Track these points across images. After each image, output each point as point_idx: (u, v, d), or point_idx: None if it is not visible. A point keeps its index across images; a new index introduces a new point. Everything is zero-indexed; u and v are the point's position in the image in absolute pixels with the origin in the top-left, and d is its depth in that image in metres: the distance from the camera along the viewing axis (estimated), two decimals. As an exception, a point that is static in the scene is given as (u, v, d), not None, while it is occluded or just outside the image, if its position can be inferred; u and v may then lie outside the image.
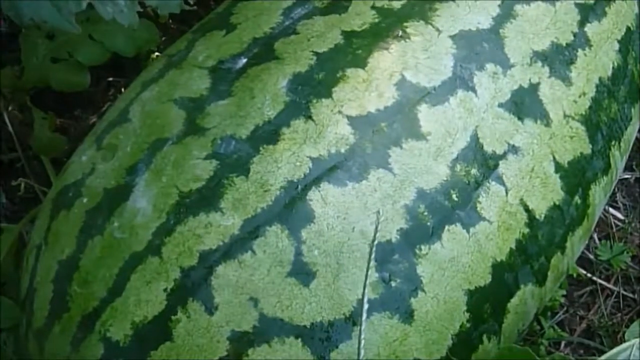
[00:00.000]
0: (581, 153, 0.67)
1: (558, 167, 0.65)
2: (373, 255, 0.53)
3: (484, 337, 0.60)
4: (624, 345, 0.57)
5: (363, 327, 0.44)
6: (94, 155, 0.62)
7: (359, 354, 0.43)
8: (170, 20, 0.94)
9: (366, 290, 0.47)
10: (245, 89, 0.61)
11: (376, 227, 0.49)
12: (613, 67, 0.71)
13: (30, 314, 0.61)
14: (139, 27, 0.55)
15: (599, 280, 0.83)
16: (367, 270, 0.47)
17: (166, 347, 0.54)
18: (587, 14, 0.71)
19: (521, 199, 0.62)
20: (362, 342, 0.44)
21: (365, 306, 0.45)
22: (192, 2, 0.65)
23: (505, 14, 0.67)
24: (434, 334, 0.57)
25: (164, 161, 0.59)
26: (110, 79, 0.95)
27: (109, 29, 0.81)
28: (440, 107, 0.61)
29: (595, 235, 0.85)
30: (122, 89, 0.93)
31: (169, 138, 0.60)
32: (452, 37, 0.64)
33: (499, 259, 0.60)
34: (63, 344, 0.57)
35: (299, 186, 0.56)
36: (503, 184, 0.62)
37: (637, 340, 0.56)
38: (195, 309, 0.54)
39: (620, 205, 0.89)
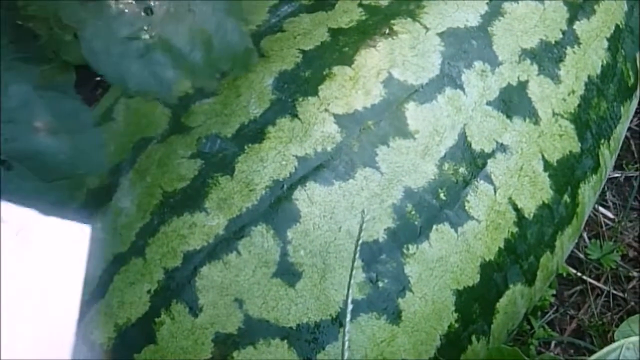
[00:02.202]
0: (570, 151, 0.67)
1: (547, 166, 0.64)
2: (359, 256, 0.53)
3: (473, 338, 0.60)
4: (613, 345, 0.56)
5: (347, 328, 0.43)
6: (77, 155, 0.61)
7: (342, 354, 0.42)
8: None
9: (351, 291, 0.46)
10: (231, 87, 0.60)
11: (361, 227, 0.48)
12: (602, 65, 0.70)
13: (12, 317, 0.60)
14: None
15: (589, 280, 0.83)
16: (352, 270, 0.46)
17: (150, 350, 0.53)
18: (576, 12, 0.70)
19: (510, 198, 0.62)
20: (347, 343, 0.43)
21: (350, 307, 0.45)
22: None
23: (494, 12, 0.66)
24: (422, 335, 0.56)
25: (148, 160, 0.58)
26: (98, 78, 0.94)
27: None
28: (428, 105, 0.60)
29: (585, 235, 0.85)
30: (110, 88, 0.92)
31: (153, 137, 0.59)
32: (440, 34, 0.63)
33: (487, 259, 0.60)
34: (45, 347, 0.56)
35: (285, 185, 0.55)
36: (492, 182, 0.61)
37: (627, 340, 0.56)
38: (180, 311, 0.53)
39: (610, 204, 0.89)
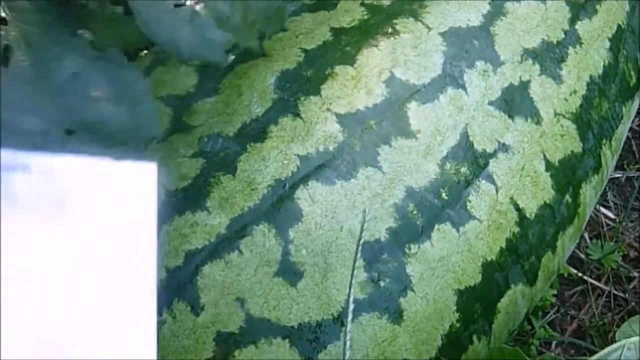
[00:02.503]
0: (572, 151, 0.67)
1: (549, 166, 0.64)
2: (361, 255, 0.53)
3: (474, 338, 0.60)
4: (614, 345, 0.56)
5: (349, 328, 0.43)
6: (79, 154, 0.61)
7: (344, 354, 0.42)
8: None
9: (352, 290, 0.46)
10: (233, 86, 0.60)
11: (362, 226, 0.48)
12: (604, 65, 0.70)
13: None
14: (127, 25, 0.57)
15: (590, 280, 0.83)
16: (353, 270, 0.46)
17: (151, 349, 0.53)
18: (578, 11, 0.70)
19: (511, 198, 0.62)
20: (348, 343, 0.43)
21: (351, 306, 0.45)
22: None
23: (496, 12, 0.66)
24: (424, 334, 0.56)
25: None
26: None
27: (97, 27, 0.80)
28: (430, 104, 0.60)
29: (586, 235, 0.85)
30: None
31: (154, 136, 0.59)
32: (442, 34, 0.63)
33: (489, 259, 0.60)
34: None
35: (287, 185, 0.55)
36: (493, 182, 0.61)
37: (628, 340, 0.56)
38: (181, 310, 0.53)
39: (612, 204, 0.89)
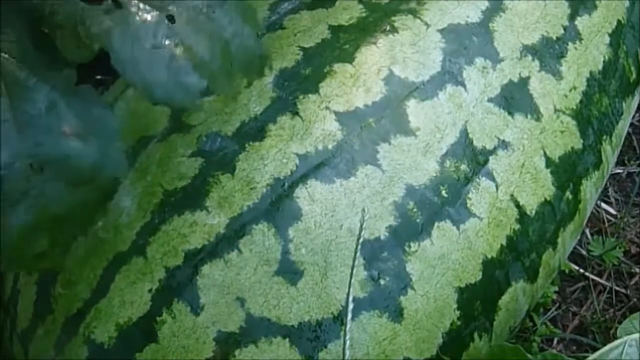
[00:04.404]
0: (572, 148, 0.66)
1: (549, 162, 0.64)
2: (361, 253, 0.52)
3: (475, 335, 0.59)
4: (616, 342, 0.56)
5: (349, 327, 0.43)
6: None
7: (343, 353, 0.42)
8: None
9: (352, 289, 0.46)
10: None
11: (361, 225, 0.48)
12: (604, 61, 0.70)
13: (14, 316, 0.60)
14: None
15: (592, 276, 0.82)
16: (353, 269, 0.46)
17: (151, 349, 0.53)
18: (578, 7, 0.70)
19: (512, 195, 0.61)
20: (348, 342, 0.43)
21: (351, 305, 0.44)
22: None
23: (495, 8, 0.66)
24: (424, 333, 0.56)
25: (149, 159, 0.58)
26: (99, 76, 0.93)
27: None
28: (429, 102, 0.60)
29: (587, 231, 0.85)
30: (110, 87, 0.92)
31: (153, 136, 0.59)
32: (441, 31, 0.63)
33: (489, 256, 0.60)
34: (47, 347, 0.56)
35: (286, 183, 0.55)
36: (493, 179, 0.61)
37: (629, 337, 0.56)
38: (181, 310, 0.53)
39: (613, 200, 0.88)
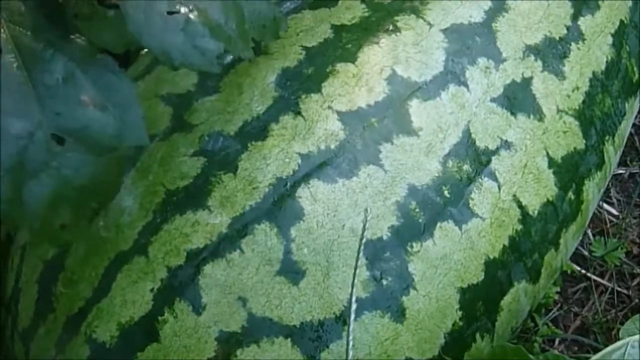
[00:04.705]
0: (575, 148, 0.66)
1: (551, 163, 0.64)
2: (363, 254, 0.52)
3: (477, 336, 0.59)
4: (618, 343, 0.56)
5: (351, 328, 0.43)
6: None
7: (347, 354, 0.42)
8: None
9: (354, 289, 0.46)
10: (234, 84, 0.60)
11: (364, 225, 0.48)
12: (607, 61, 0.70)
13: (15, 315, 0.60)
14: (120, 27, 0.57)
15: (593, 277, 0.82)
16: (355, 269, 0.46)
17: (153, 348, 0.53)
18: (581, 7, 0.70)
19: (514, 195, 0.61)
20: (351, 342, 0.43)
21: (354, 306, 0.44)
22: None
23: (498, 8, 0.66)
24: (426, 333, 0.56)
25: (151, 159, 0.58)
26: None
27: (98, 25, 0.80)
28: (432, 102, 0.60)
29: (589, 231, 0.85)
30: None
31: (155, 135, 0.59)
32: (444, 30, 0.63)
33: (491, 256, 0.60)
34: (48, 346, 0.56)
35: (288, 183, 0.55)
36: (496, 179, 0.61)
37: (632, 338, 0.56)
38: (183, 309, 0.53)
39: (615, 200, 0.88)
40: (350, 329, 0.43)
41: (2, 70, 0.43)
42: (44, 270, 0.58)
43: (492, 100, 0.62)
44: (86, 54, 0.46)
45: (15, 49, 0.44)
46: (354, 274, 0.46)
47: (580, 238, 0.72)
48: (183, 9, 0.47)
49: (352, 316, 0.44)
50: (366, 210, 0.53)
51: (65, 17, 0.46)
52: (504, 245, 0.60)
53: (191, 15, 0.47)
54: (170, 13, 0.47)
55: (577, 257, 0.83)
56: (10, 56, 0.44)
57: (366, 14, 0.63)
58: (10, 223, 0.54)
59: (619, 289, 0.82)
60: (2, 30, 0.44)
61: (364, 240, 0.49)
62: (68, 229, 0.46)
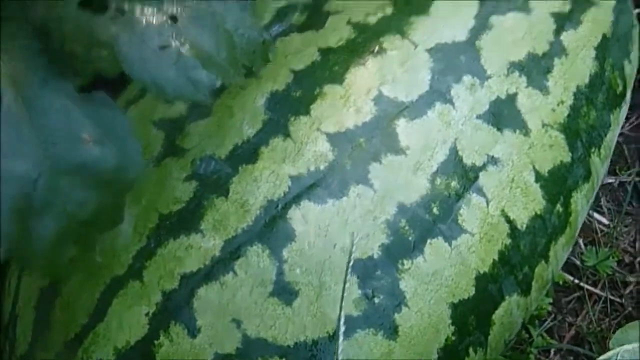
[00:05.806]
0: (561, 161, 0.67)
1: (538, 177, 0.65)
2: (354, 272, 0.53)
3: (470, 350, 0.60)
4: (609, 353, 0.57)
5: (341, 349, 0.44)
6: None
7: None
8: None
9: (343, 310, 0.47)
10: (225, 107, 0.61)
11: (351, 249, 0.49)
12: (590, 75, 0.71)
13: (13, 340, 0.61)
14: (110, 62, 0.58)
15: (586, 286, 0.83)
16: (343, 290, 0.47)
17: (150, 372, 0.53)
18: (563, 22, 0.71)
19: (502, 210, 0.62)
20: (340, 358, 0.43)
21: (342, 328, 0.45)
22: None
23: (481, 26, 0.67)
24: (420, 349, 0.57)
25: (144, 184, 0.58)
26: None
27: (80, 65, 0.82)
28: (419, 120, 0.61)
29: (580, 241, 0.86)
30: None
31: (148, 160, 0.60)
32: (429, 50, 0.64)
33: (482, 271, 0.60)
34: (46, 372, 0.57)
35: (279, 205, 0.56)
36: (484, 195, 0.62)
37: (621, 348, 0.56)
38: (178, 332, 0.53)
39: (605, 210, 0.89)
40: (340, 350, 0.44)
41: (2, 111, 0.44)
42: (41, 296, 0.59)
43: (478, 117, 0.63)
44: (81, 92, 0.47)
45: (14, 89, 0.45)
46: (342, 296, 0.47)
47: (571, 248, 0.73)
48: (174, 43, 0.48)
49: (341, 336, 0.45)
50: (352, 234, 0.54)
51: (61, 56, 0.47)
52: (493, 260, 0.61)
53: (182, 50, 0.48)
54: (162, 48, 0.48)
55: (569, 267, 0.84)
56: (10, 96, 0.45)
57: (352, 36, 0.65)
58: (17, 263, 0.55)
59: (612, 298, 0.83)
60: (2, 71, 0.45)
61: (352, 262, 0.50)
62: (76, 262, 0.47)
